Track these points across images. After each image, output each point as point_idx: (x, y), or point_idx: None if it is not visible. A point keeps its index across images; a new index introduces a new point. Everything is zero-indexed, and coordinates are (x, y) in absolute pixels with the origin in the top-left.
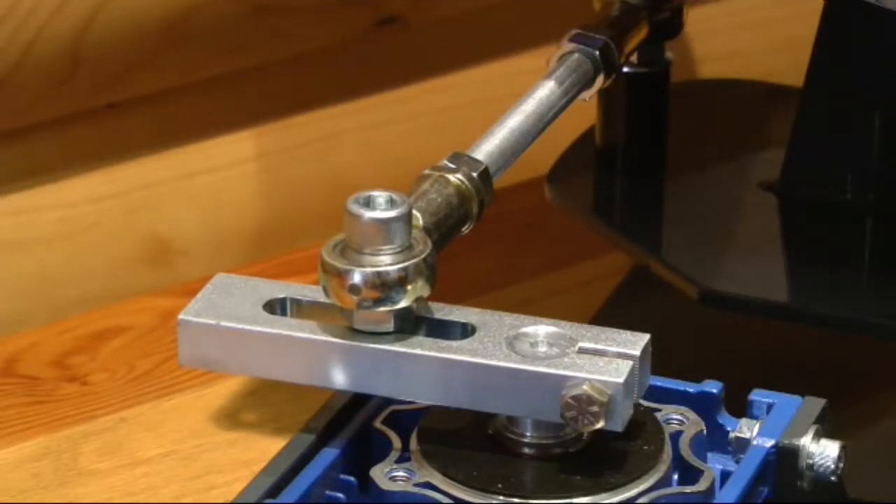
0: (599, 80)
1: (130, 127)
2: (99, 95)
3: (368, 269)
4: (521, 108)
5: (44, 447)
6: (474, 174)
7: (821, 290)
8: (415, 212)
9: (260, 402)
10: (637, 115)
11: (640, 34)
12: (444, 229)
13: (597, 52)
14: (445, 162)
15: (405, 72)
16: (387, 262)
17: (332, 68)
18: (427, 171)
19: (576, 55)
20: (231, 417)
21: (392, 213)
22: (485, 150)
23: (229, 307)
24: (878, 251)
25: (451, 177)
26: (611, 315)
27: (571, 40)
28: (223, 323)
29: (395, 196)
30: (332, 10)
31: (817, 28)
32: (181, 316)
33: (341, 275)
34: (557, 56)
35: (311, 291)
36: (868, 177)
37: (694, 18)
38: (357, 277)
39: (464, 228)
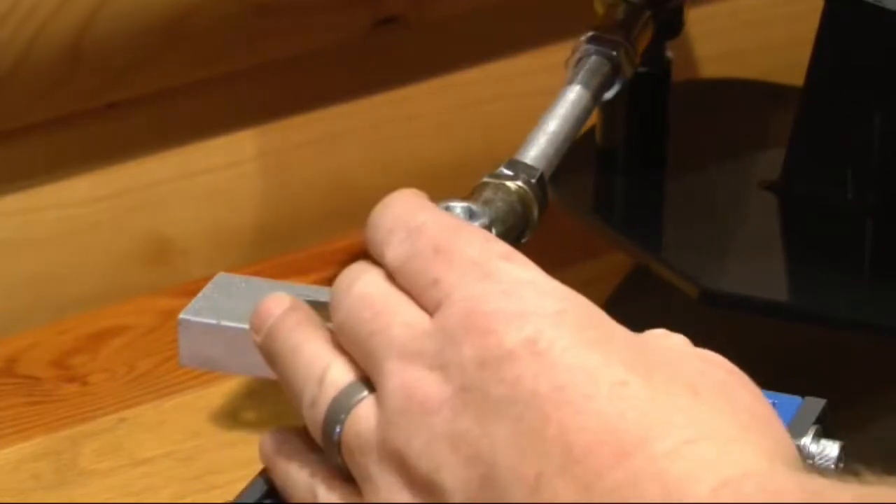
0: (618, 82)
1: (130, 127)
2: (99, 95)
3: None
4: (557, 112)
5: (44, 447)
6: (533, 180)
7: (821, 290)
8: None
9: (260, 402)
10: (637, 115)
11: (648, 34)
12: (510, 238)
13: (614, 53)
14: (503, 169)
15: (405, 72)
16: None
17: (332, 68)
18: (486, 179)
19: (594, 57)
20: (231, 417)
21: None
22: (533, 156)
23: (230, 306)
24: (878, 251)
25: (510, 184)
26: (611, 315)
27: (589, 42)
28: (224, 322)
29: (473, 207)
30: (332, 10)
31: (817, 28)
32: (181, 315)
33: None
34: (576, 59)
35: (311, 291)
36: (868, 177)
37: (694, 18)
38: None
39: (525, 236)
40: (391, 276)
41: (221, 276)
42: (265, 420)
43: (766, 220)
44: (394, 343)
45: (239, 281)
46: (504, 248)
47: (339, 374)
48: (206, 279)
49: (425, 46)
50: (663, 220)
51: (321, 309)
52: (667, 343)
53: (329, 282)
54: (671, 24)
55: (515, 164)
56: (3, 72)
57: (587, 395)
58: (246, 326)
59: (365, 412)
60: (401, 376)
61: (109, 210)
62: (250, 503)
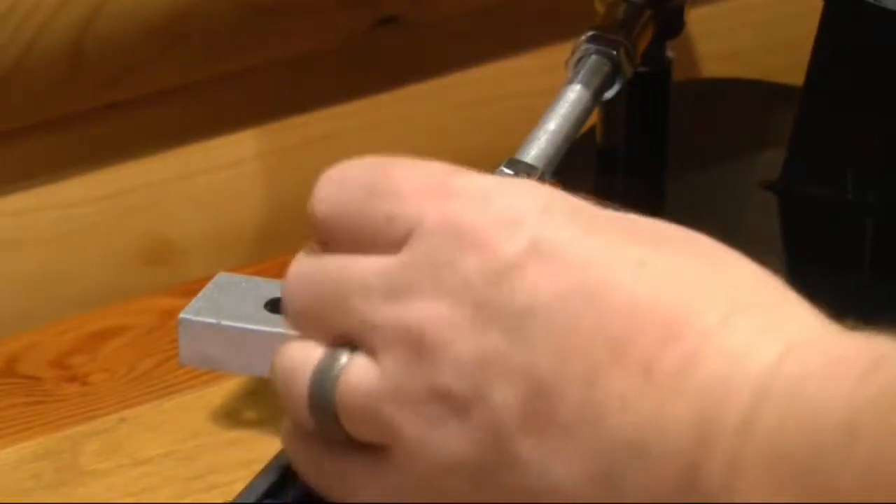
0: (619, 82)
1: (130, 127)
2: (99, 95)
3: None
4: (557, 111)
5: (44, 447)
6: (533, 180)
7: (821, 290)
8: None
9: (260, 402)
10: (638, 115)
11: (648, 34)
12: None
13: (615, 53)
14: (503, 168)
15: (405, 72)
16: None
17: (332, 68)
18: None
19: (594, 57)
20: (231, 417)
21: None
22: (533, 155)
23: (230, 306)
24: (878, 251)
25: None
26: None
27: (589, 42)
28: (224, 322)
29: None
30: (332, 10)
31: (817, 28)
32: (182, 315)
33: None
34: (576, 58)
35: None
36: (868, 177)
37: (694, 18)
38: None
39: None
40: (338, 239)
41: (221, 276)
42: (265, 420)
43: (766, 220)
44: (373, 291)
45: (239, 281)
46: (444, 165)
47: (306, 353)
48: (206, 279)
49: (425, 46)
50: (663, 220)
51: None
52: (637, 216)
53: None
54: (672, 24)
55: (516, 164)
56: (3, 72)
57: (612, 284)
58: (246, 326)
59: (357, 373)
60: (400, 317)
61: (109, 210)
62: (250, 503)
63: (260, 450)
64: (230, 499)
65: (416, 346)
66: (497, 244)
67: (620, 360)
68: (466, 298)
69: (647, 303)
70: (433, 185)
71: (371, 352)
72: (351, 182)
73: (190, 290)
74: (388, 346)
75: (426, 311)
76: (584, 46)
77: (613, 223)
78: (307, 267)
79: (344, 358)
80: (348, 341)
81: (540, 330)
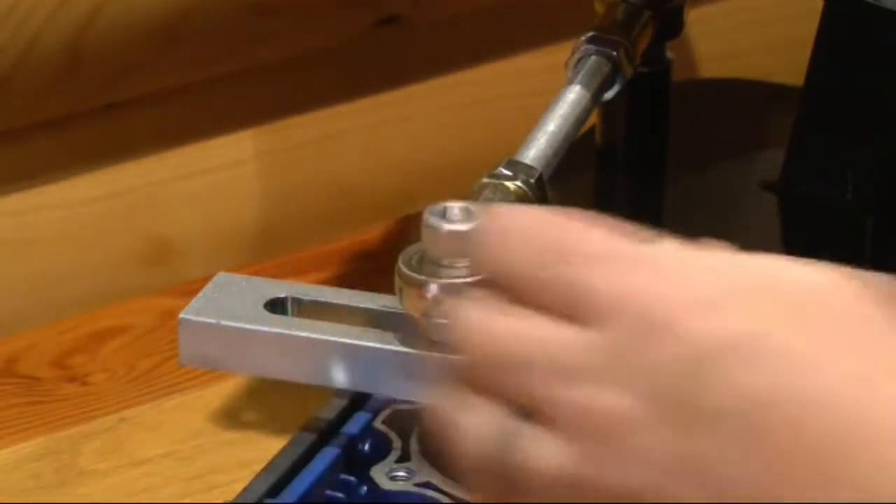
0: (619, 82)
1: (130, 127)
2: (99, 95)
3: (445, 281)
4: (557, 112)
5: (44, 447)
6: (532, 180)
7: None
8: None
9: (260, 402)
10: (637, 115)
11: (648, 34)
12: None
13: (614, 53)
14: (502, 169)
15: (405, 72)
16: (464, 273)
17: (332, 68)
18: (486, 180)
19: (594, 57)
20: (231, 417)
21: (470, 226)
22: (532, 156)
23: (230, 306)
24: (878, 251)
25: (509, 184)
26: None
27: (589, 42)
28: (224, 322)
29: (471, 208)
30: (332, 10)
31: (817, 28)
32: (182, 315)
33: (419, 286)
34: (576, 59)
35: (312, 290)
36: (868, 177)
37: (694, 18)
38: (436, 289)
39: None
40: (510, 294)
41: (221, 276)
42: (265, 420)
43: (766, 220)
44: (558, 368)
45: (239, 281)
46: (622, 226)
47: (483, 416)
48: (206, 279)
49: (425, 46)
50: (663, 220)
51: (322, 308)
52: (800, 283)
53: (329, 282)
54: (671, 25)
55: (514, 164)
56: (3, 72)
57: (822, 397)
58: (246, 326)
59: (544, 451)
60: (587, 403)
61: (109, 210)
62: (250, 503)
63: (260, 450)
64: (230, 499)
65: (604, 437)
66: (691, 331)
67: (834, 482)
68: (659, 393)
69: (860, 426)
70: (618, 252)
71: (552, 429)
72: (532, 240)
73: (190, 290)
74: (575, 431)
75: (607, 398)
76: (583, 47)
77: (823, 324)
78: (488, 320)
79: (525, 428)
80: (521, 409)
81: (742, 440)
